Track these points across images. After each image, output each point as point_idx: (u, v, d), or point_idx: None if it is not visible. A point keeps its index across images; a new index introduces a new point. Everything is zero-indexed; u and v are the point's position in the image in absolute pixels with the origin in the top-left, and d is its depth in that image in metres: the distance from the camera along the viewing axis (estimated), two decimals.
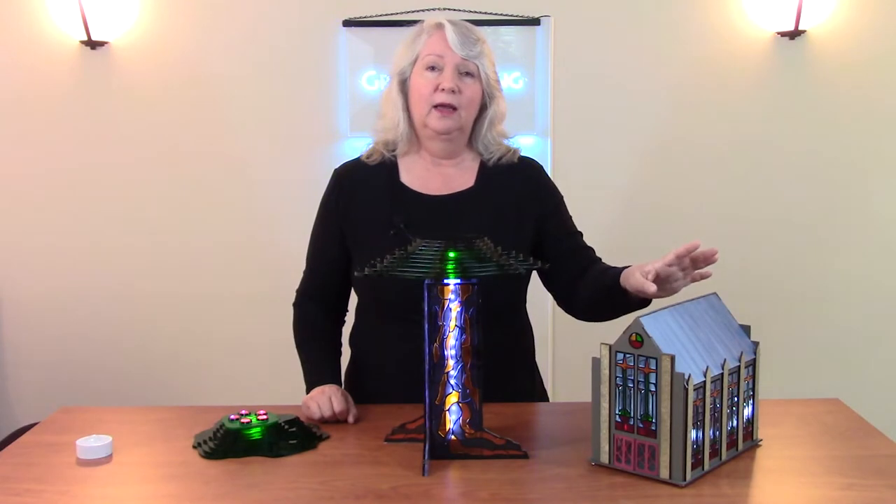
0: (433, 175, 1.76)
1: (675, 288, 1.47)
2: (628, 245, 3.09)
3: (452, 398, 1.40)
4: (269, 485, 1.33)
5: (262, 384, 2.89)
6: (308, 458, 1.45)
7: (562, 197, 1.83)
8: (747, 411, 1.45)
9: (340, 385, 1.74)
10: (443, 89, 1.66)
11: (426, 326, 1.39)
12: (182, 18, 3.05)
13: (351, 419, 1.62)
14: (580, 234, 1.81)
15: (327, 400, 1.62)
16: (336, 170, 1.84)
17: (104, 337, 3.17)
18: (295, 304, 1.86)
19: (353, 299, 1.87)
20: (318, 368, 1.75)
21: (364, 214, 1.75)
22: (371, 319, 1.81)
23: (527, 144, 2.98)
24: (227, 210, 3.13)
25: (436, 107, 1.67)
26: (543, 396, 1.90)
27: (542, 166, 1.85)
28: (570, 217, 1.82)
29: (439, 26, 1.70)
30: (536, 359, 1.90)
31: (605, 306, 1.67)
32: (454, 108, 1.67)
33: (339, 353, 1.84)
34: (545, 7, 3.02)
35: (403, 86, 1.73)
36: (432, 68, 1.68)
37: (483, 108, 1.74)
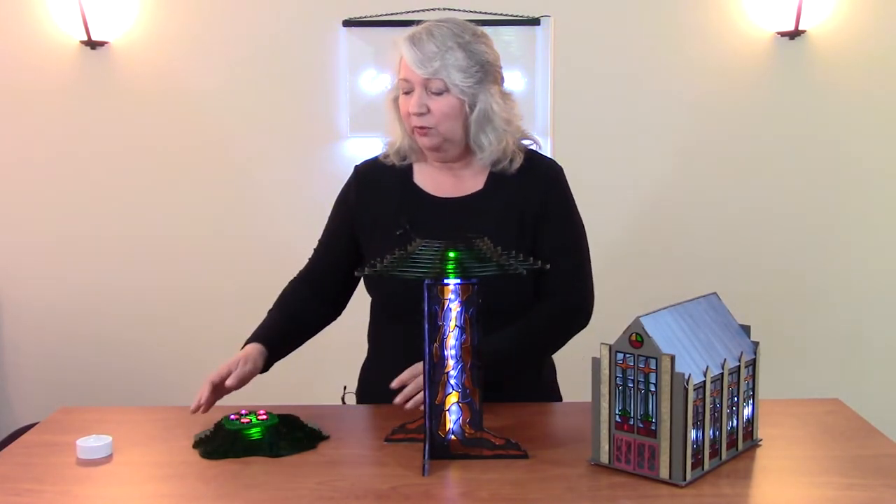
0: (446, 177, 1.76)
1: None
2: (629, 245, 3.10)
3: (452, 398, 1.40)
4: (269, 485, 1.33)
5: (262, 384, 2.88)
6: (308, 458, 1.45)
7: (568, 212, 1.77)
8: (747, 411, 1.45)
9: (269, 348, 1.71)
10: (411, 113, 1.66)
11: (426, 326, 1.39)
12: (182, 18, 3.05)
13: (229, 381, 1.61)
14: (566, 260, 1.74)
15: (227, 365, 1.62)
16: (356, 166, 1.85)
17: (104, 337, 3.17)
18: (290, 281, 1.86)
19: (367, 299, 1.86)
20: (259, 330, 1.75)
21: (375, 213, 1.76)
22: (379, 318, 1.82)
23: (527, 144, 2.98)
24: (228, 210, 3.13)
25: (414, 127, 1.68)
26: (553, 395, 1.88)
27: (559, 172, 1.79)
28: (569, 235, 1.75)
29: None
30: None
31: None
32: (430, 127, 1.67)
33: (299, 336, 1.80)
34: (545, 7, 3.02)
35: (396, 102, 1.73)
36: (407, 91, 1.68)
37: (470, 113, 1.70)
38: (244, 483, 1.34)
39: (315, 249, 1.87)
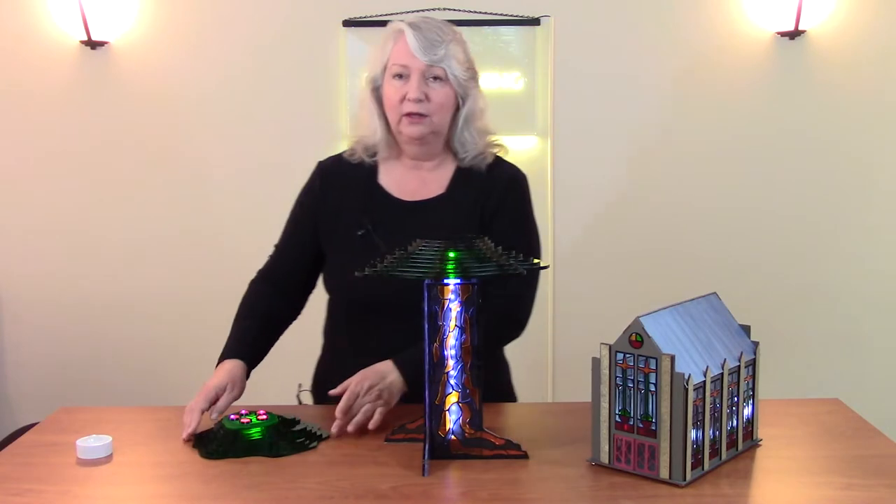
0: (410, 179, 1.76)
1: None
2: (628, 245, 3.10)
3: (452, 398, 1.40)
4: (269, 485, 1.33)
5: (263, 384, 2.89)
6: (308, 458, 1.45)
7: (521, 218, 1.74)
8: (747, 411, 1.45)
9: (248, 362, 1.69)
10: (409, 99, 1.65)
11: (426, 326, 1.39)
12: (182, 18, 3.05)
13: (218, 407, 1.57)
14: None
15: (214, 391, 1.59)
16: (320, 162, 1.85)
17: (104, 337, 3.17)
18: (250, 282, 1.84)
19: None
20: (236, 340, 1.72)
21: (338, 211, 1.76)
22: (338, 317, 1.80)
23: (527, 144, 2.99)
24: (227, 210, 3.13)
25: (406, 115, 1.67)
26: (508, 396, 1.86)
27: (521, 179, 1.77)
28: (518, 242, 1.65)
29: (401, 32, 1.67)
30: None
31: None
32: (424, 115, 1.67)
33: (272, 338, 1.78)
34: (545, 7, 3.02)
35: (377, 93, 1.73)
36: (399, 76, 1.67)
37: (460, 107, 1.71)
38: (244, 483, 1.34)
39: (276, 247, 1.85)
